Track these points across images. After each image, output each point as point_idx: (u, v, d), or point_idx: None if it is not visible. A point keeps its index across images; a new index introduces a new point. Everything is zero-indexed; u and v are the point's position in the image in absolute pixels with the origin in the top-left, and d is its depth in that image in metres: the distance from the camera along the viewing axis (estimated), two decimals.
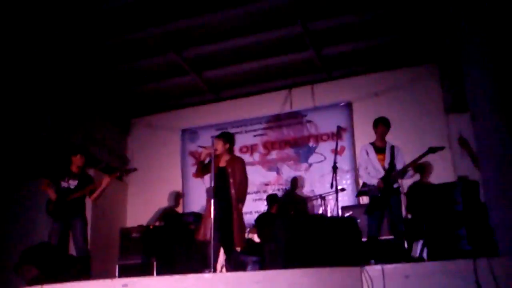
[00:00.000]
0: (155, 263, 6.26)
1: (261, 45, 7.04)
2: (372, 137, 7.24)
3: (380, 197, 5.20)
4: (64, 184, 5.54)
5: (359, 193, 5.72)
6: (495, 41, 4.08)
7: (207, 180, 5.05)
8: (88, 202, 5.76)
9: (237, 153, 8.01)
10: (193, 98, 8.42)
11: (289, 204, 6.73)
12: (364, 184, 5.46)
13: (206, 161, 5.15)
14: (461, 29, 4.59)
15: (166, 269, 4.94)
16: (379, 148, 5.48)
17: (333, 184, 5.28)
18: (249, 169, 7.77)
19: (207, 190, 4.91)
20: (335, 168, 5.21)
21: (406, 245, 5.40)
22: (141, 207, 7.66)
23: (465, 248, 3.81)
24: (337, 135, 5.66)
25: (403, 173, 5.27)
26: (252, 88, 8.16)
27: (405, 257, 5.03)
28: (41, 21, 6.03)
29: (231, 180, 5.11)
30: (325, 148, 7.27)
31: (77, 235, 5.37)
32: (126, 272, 6.34)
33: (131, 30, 6.55)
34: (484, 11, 4.21)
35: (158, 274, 5.97)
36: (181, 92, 8.28)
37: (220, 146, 5.20)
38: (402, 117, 7.19)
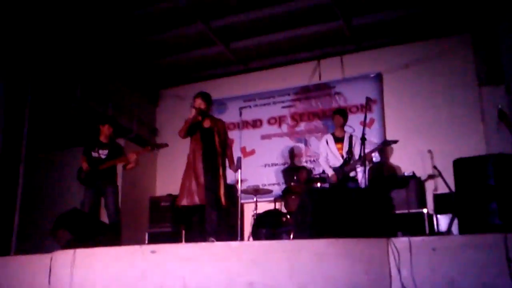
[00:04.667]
0: (183, 232, 6.41)
1: (289, 15, 6.91)
2: (402, 109, 7.19)
3: (337, 185, 5.58)
4: (94, 154, 5.64)
5: (320, 179, 6.10)
6: None
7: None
8: (119, 171, 5.88)
9: (265, 124, 8.07)
10: (221, 69, 8.40)
11: (290, 175, 6.72)
12: (323, 171, 6.02)
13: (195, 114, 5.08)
14: None
15: (194, 238, 5.03)
16: (338, 138, 5.90)
17: (361, 156, 5.23)
18: (277, 141, 7.90)
19: (238, 160, 4.96)
20: (363, 140, 5.15)
21: None
22: (170, 177, 7.74)
23: (496, 223, 3.73)
24: (366, 106, 5.58)
25: (362, 161, 5.34)
26: (281, 59, 8.07)
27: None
28: None
29: (217, 140, 5.12)
30: (354, 120, 7.14)
31: (108, 203, 5.49)
32: (156, 240, 6.50)
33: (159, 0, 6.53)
34: None
35: (186, 242, 6.11)
36: (209, 63, 8.27)
37: (203, 104, 5.15)
38: (433, 89, 7.04)
